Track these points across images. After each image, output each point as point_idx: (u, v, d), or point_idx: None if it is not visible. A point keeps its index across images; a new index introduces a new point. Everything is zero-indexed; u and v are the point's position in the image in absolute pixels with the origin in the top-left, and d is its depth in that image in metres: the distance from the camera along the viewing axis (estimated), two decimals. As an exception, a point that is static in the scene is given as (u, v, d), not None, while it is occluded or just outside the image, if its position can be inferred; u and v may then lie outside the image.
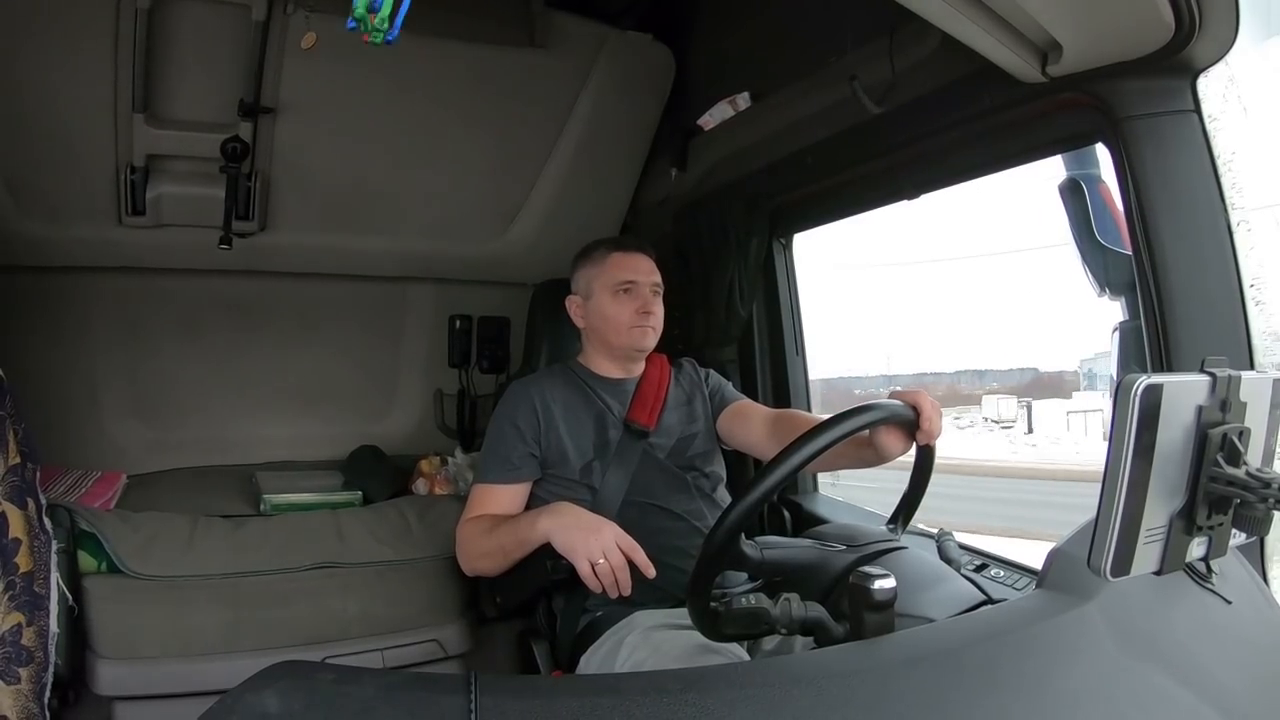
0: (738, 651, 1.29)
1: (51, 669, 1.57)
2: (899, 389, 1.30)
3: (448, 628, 1.95)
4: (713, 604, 1.02)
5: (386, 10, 0.95)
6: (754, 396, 2.11)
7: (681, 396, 1.74)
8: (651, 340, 1.69)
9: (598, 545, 1.36)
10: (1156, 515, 0.78)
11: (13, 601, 1.51)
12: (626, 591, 1.36)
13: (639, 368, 1.73)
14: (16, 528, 1.53)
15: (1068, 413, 14.68)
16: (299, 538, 1.92)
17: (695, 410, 1.73)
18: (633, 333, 1.66)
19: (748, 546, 1.06)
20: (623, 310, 1.66)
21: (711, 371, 1.82)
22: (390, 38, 0.96)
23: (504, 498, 1.60)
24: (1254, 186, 1.20)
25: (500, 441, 1.63)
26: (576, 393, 1.68)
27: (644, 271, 1.68)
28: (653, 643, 1.33)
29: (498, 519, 1.55)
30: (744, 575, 1.37)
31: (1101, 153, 1.43)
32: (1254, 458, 0.83)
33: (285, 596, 1.83)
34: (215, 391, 2.45)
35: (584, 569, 1.35)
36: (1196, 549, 0.83)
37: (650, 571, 1.36)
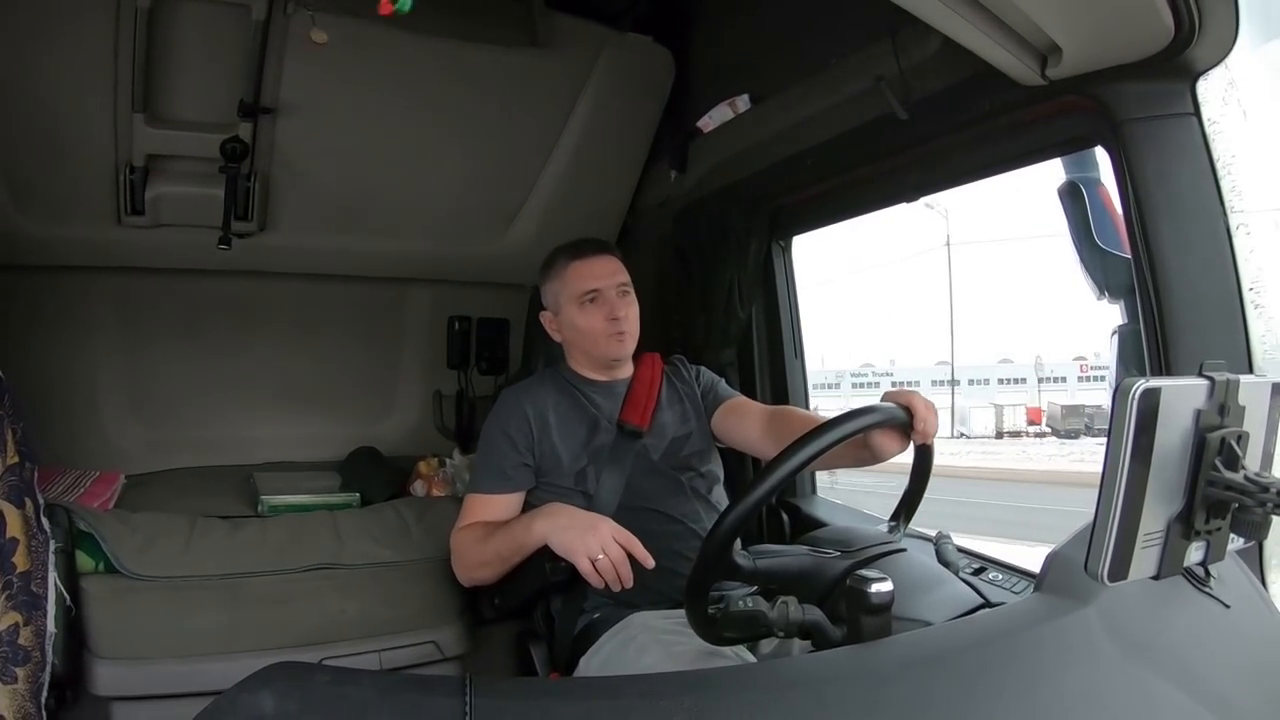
0: (744, 654, 1.29)
1: (49, 669, 1.57)
2: (891, 390, 1.30)
3: (445, 629, 1.94)
4: (710, 608, 1.02)
5: None
6: (753, 398, 2.11)
7: (674, 395, 1.73)
8: (629, 346, 1.66)
9: (595, 541, 1.35)
10: (1154, 519, 0.78)
11: (10, 601, 1.51)
12: (629, 584, 1.36)
13: (628, 369, 1.72)
14: (14, 527, 1.53)
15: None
16: (297, 539, 1.92)
17: (688, 409, 1.72)
18: (609, 342, 1.64)
19: (740, 557, 1.06)
20: (592, 320, 1.63)
21: (703, 369, 1.81)
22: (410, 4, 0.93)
23: (498, 507, 1.59)
24: (1254, 190, 1.20)
25: (493, 451, 1.62)
26: (568, 398, 1.67)
27: (605, 275, 1.65)
28: (661, 645, 1.33)
29: (491, 526, 1.55)
30: (742, 578, 1.37)
31: (1101, 156, 1.43)
32: (1252, 462, 0.83)
33: (283, 597, 1.83)
34: (214, 392, 2.45)
35: (584, 566, 1.35)
36: (1194, 553, 0.83)
37: (649, 562, 1.36)
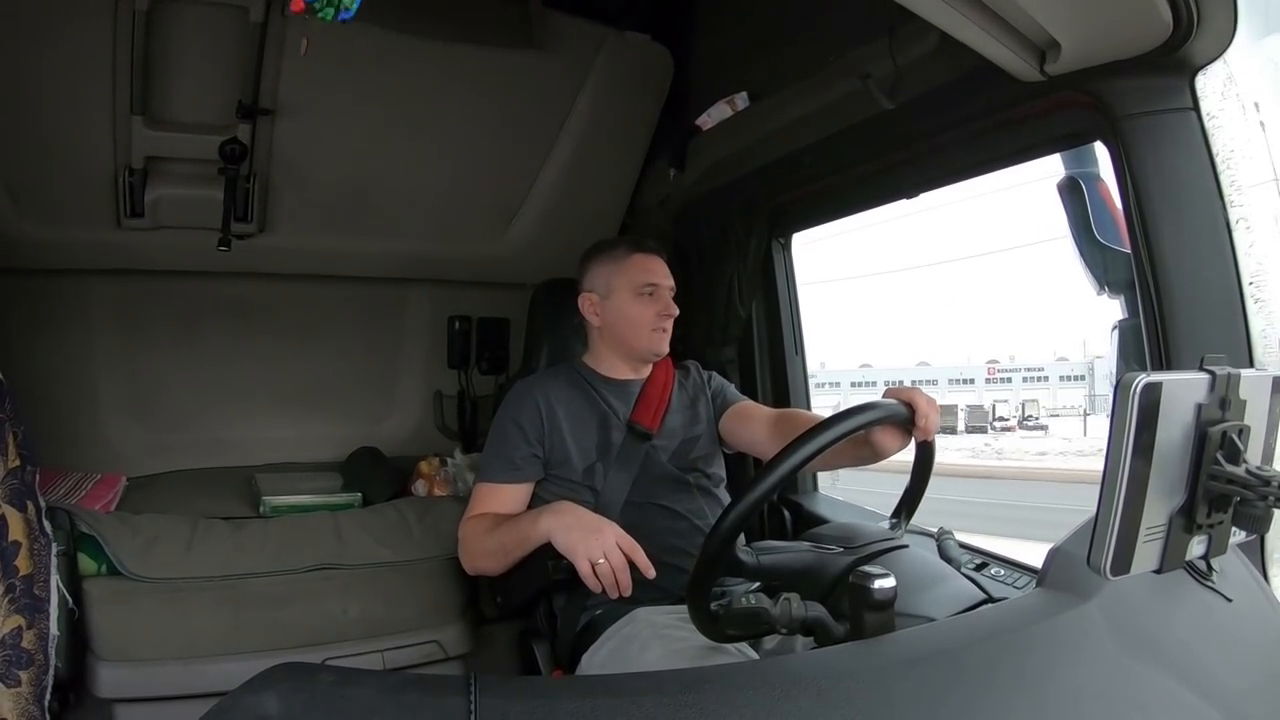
0: (746, 651, 1.29)
1: (52, 671, 1.57)
2: (893, 386, 1.30)
3: (448, 629, 1.95)
4: (713, 605, 1.02)
5: None
6: (754, 396, 2.11)
7: (685, 399, 1.73)
8: (666, 346, 1.69)
9: (598, 545, 1.36)
10: (1156, 513, 0.78)
11: (13, 604, 1.51)
12: (627, 592, 1.36)
13: (646, 369, 1.73)
14: (16, 531, 1.53)
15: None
16: (299, 539, 1.92)
17: (699, 413, 1.72)
18: (653, 336, 1.66)
19: (743, 553, 1.06)
20: (645, 312, 1.65)
21: (715, 374, 1.82)
22: (345, 16, 0.90)
23: (506, 497, 1.60)
24: (1252, 183, 1.20)
25: (503, 441, 1.62)
26: (580, 394, 1.67)
27: (663, 274, 1.69)
28: (664, 641, 1.33)
29: (499, 518, 1.55)
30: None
31: (1100, 151, 1.43)
32: (1254, 455, 0.83)
33: (285, 598, 1.83)
34: (214, 393, 2.45)
35: (584, 569, 1.35)
36: (1196, 547, 0.83)
37: (650, 572, 1.36)
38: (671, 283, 1.70)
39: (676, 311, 1.69)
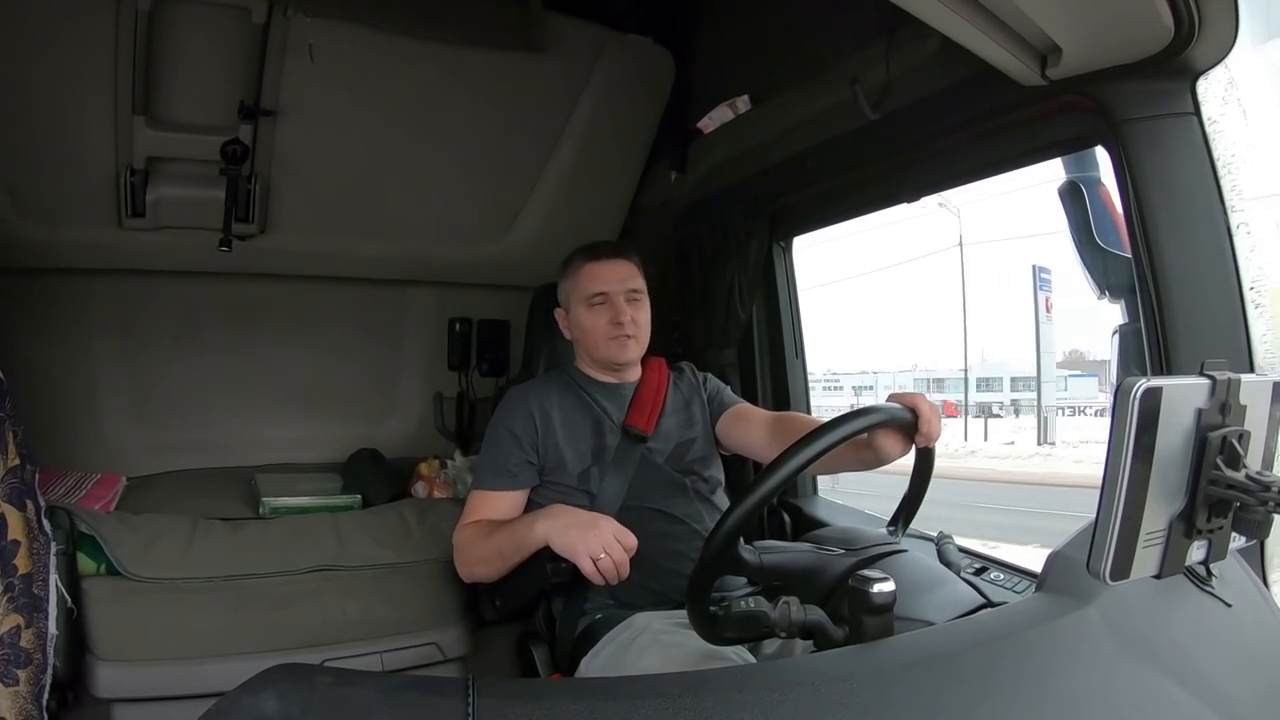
0: (745, 655, 1.29)
1: (50, 671, 1.57)
2: (897, 392, 1.30)
3: (447, 631, 1.95)
4: (712, 608, 1.02)
5: None
6: (754, 399, 2.11)
7: (680, 401, 1.73)
8: (633, 351, 1.66)
9: (597, 541, 1.36)
10: (1156, 518, 0.78)
11: (11, 603, 1.51)
12: (624, 575, 1.36)
13: (635, 373, 1.72)
14: (15, 530, 1.53)
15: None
16: (298, 540, 1.92)
17: (694, 415, 1.72)
18: (610, 345, 1.64)
19: (746, 551, 1.06)
20: (597, 322, 1.64)
21: (710, 375, 1.82)
22: None
23: (501, 504, 1.60)
24: (1254, 189, 1.20)
25: (497, 449, 1.62)
26: (574, 399, 1.67)
27: (616, 279, 1.65)
28: (662, 646, 1.33)
29: (494, 524, 1.55)
30: (743, 579, 1.38)
31: (1101, 155, 1.43)
32: (1254, 461, 0.82)
33: (284, 599, 1.83)
34: (215, 393, 2.45)
35: (586, 566, 1.35)
36: (1196, 552, 0.83)
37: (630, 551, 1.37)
38: (631, 285, 1.66)
39: (636, 315, 1.64)
